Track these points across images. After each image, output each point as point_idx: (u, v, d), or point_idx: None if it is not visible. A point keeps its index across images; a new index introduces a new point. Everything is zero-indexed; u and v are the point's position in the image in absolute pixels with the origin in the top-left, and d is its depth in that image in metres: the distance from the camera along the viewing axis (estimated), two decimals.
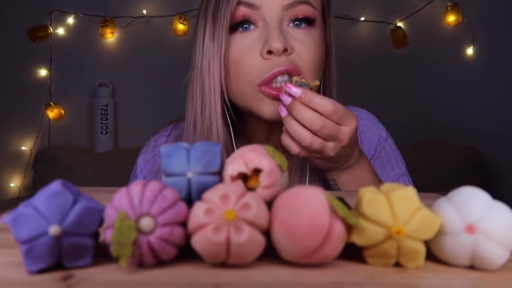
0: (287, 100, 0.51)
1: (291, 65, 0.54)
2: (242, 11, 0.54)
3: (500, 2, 1.71)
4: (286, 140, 0.53)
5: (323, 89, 0.61)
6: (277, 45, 0.53)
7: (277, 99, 0.54)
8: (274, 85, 0.55)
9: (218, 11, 0.55)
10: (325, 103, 0.50)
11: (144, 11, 1.72)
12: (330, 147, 0.51)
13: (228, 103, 0.58)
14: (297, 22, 0.56)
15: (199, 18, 0.60)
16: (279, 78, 0.54)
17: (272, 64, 0.54)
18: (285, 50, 0.53)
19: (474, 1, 1.71)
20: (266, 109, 0.56)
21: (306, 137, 0.50)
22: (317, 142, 0.50)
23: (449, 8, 1.68)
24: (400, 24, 1.73)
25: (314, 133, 0.50)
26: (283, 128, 0.53)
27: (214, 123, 0.58)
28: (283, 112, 0.52)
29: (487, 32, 1.72)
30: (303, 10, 0.55)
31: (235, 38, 0.56)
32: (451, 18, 1.68)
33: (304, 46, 0.55)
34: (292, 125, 0.51)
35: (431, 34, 1.74)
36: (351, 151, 0.55)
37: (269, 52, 0.53)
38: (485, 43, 1.72)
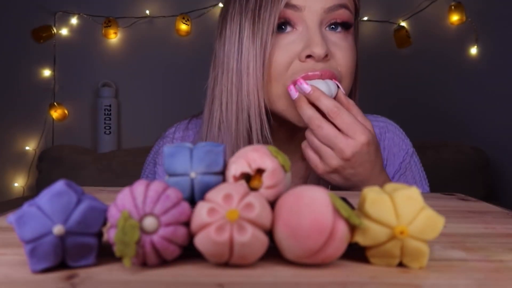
0: (294, 95, 0.51)
1: (328, 71, 0.53)
2: (286, 13, 0.54)
3: (503, 2, 1.71)
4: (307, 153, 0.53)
5: (349, 94, 0.60)
6: (319, 51, 0.52)
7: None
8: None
9: (261, 11, 0.54)
10: (329, 104, 0.49)
11: (147, 12, 1.72)
12: (328, 153, 0.50)
13: (267, 105, 0.57)
14: (333, 26, 0.55)
15: (232, 17, 0.57)
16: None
17: (306, 67, 0.53)
18: (325, 56, 0.53)
19: (477, 1, 1.70)
20: (298, 115, 0.55)
21: (318, 128, 0.50)
22: (315, 140, 0.50)
23: (452, 7, 1.67)
24: (403, 23, 1.73)
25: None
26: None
27: (255, 125, 0.56)
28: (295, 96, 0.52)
29: (491, 31, 1.71)
30: (342, 14, 0.55)
31: (276, 40, 0.55)
32: (454, 18, 1.67)
33: (342, 51, 0.55)
34: (309, 111, 0.51)
35: (434, 33, 1.74)
36: (368, 172, 0.52)
37: (309, 56, 0.53)
38: (489, 42, 1.72)
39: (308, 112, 0.50)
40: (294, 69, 0.54)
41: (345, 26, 0.56)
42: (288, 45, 0.54)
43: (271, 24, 0.53)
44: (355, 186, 0.53)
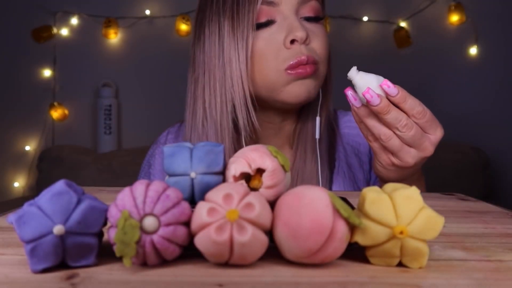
0: (357, 103, 0.49)
1: (311, 56, 0.56)
2: (264, 9, 0.57)
3: (503, 2, 1.71)
4: (362, 129, 0.50)
5: (325, 82, 0.63)
6: (301, 34, 0.55)
7: (304, 77, 0.56)
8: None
9: (239, 7, 0.57)
10: (416, 104, 0.47)
11: (147, 12, 1.72)
12: (411, 153, 0.48)
13: (253, 94, 0.59)
14: (307, 19, 0.59)
15: (210, 18, 0.60)
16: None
17: (294, 53, 0.56)
18: (306, 38, 0.56)
19: (477, 1, 1.70)
20: (293, 91, 0.57)
21: (385, 131, 0.48)
22: (396, 140, 0.48)
23: (452, 7, 1.67)
24: (403, 23, 1.73)
25: (396, 133, 0.48)
26: (358, 119, 0.50)
27: (240, 114, 0.58)
28: (358, 103, 0.49)
29: (491, 31, 1.71)
30: (314, 5, 0.59)
31: (256, 33, 0.58)
32: (454, 18, 1.67)
33: (318, 37, 0.59)
34: (372, 122, 0.48)
35: (434, 33, 1.74)
36: (418, 168, 0.52)
37: (292, 41, 0.56)
38: (488, 42, 1.72)
39: (394, 114, 0.47)
40: (284, 55, 0.56)
41: (317, 19, 0.60)
42: (271, 36, 0.57)
43: (250, 19, 0.56)
44: (404, 181, 0.52)
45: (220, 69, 0.58)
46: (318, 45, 0.58)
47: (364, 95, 0.47)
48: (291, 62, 0.56)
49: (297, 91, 0.57)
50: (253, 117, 0.59)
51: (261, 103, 0.60)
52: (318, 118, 0.61)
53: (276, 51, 0.57)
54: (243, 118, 0.58)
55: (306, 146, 0.64)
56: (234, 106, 0.59)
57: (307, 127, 0.64)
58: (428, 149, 0.48)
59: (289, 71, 0.56)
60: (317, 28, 0.59)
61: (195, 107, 0.62)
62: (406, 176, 0.52)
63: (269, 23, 0.57)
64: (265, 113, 0.63)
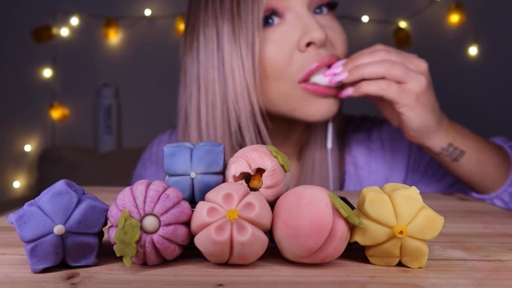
0: (341, 75, 0.48)
1: (334, 57, 0.50)
2: (271, 2, 0.49)
3: (503, 2, 1.71)
4: (368, 85, 0.48)
5: None
6: (320, 35, 0.48)
7: (324, 95, 0.50)
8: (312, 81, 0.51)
9: (241, 8, 0.49)
10: (373, 51, 0.47)
11: (148, 12, 1.73)
12: (417, 76, 0.47)
13: (263, 108, 0.51)
14: (318, 10, 0.52)
15: (205, 24, 0.51)
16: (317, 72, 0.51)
17: (309, 57, 0.49)
18: (325, 39, 0.49)
19: (477, 1, 1.70)
20: (313, 110, 0.51)
21: (384, 63, 0.46)
22: (399, 65, 0.46)
23: (452, 7, 1.67)
24: (403, 23, 1.73)
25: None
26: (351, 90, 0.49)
27: (248, 134, 0.51)
28: (344, 74, 0.48)
29: (491, 31, 1.71)
30: None
31: (263, 35, 0.49)
32: (454, 18, 1.67)
33: (336, 33, 0.52)
34: (365, 68, 0.47)
35: (434, 33, 1.74)
36: (437, 103, 0.51)
37: (308, 44, 0.49)
38: (489, 42, 1.72)
39: (373, 67, 0.47)
40: (297, 63, 0.49)
41: (331, 6, 0.52)
42: (282, 38, 0.49)
43: (256, 19, 0.48)
44: (440, 121, 0.51)
45: (220, 82, 0.50)
46: (337, 41, 0.51)
47: (328, 75, 0.49)
48: (306, 71, 0.49)
49: (318, 111, 0.50)
50: (265, 136, 0.51)
51: (268, 114, 0.53)
52: (330, 125, 0.55)
53: (288, 55, 0.49)
54: (250, 138, 0.51)
55: (315, 157, 0.58)
56: (239, 125, 0.51)
57: (317, 135, 0.58)
58: (421, 61, 0.48)
59: (304, 85, 0.49)
60: (332, 21, 0.52)
61: (187, 128, 0.54)
62: (436, 112, 0.50)
63: (270, 17, 0.50)
64: (274, 122, 0.55)
